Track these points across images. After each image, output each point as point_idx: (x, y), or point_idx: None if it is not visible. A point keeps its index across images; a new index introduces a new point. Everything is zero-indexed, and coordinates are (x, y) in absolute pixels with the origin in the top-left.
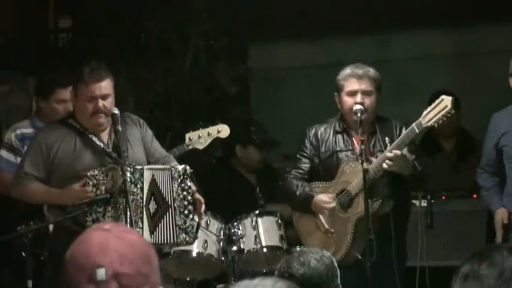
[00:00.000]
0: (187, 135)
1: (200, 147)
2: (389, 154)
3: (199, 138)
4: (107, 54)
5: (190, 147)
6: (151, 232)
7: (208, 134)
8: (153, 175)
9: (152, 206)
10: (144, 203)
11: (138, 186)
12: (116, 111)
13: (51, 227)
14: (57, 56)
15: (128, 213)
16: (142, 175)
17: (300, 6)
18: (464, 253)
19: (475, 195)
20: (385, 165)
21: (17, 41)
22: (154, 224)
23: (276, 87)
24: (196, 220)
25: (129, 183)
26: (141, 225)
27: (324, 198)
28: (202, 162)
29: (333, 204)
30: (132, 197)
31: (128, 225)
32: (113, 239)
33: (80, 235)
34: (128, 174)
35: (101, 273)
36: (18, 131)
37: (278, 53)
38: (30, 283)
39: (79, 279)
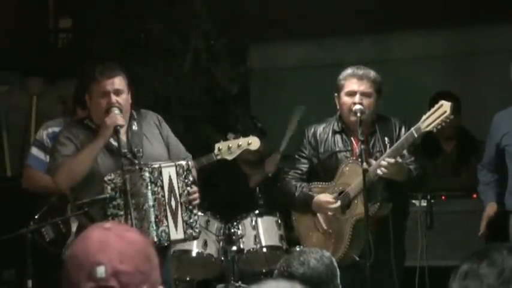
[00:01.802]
0: (216, 145)
1: (229, 158)
2: (383, 162)
3: (229, 149)
4: (107, 54)
5: (218, 157)
6: (176, 229)
7: (238, 146)
8: (169, 172)
9: (173, 203)
10: (167, 200)
11: (159, 184)
12: (116, 111)
13: (75, 227)
14: (57, 56)
15: (131, 213)
16: (161, 173)
17: (299, 7)
18: (464, 253)
19: (474, 196)
20: (379, 172)
21: (17, 41)
22: (175, 220)
23: (276, 87)
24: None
25: (150, 183)
26: (166, 223)
27: (327, 198)
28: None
29: (338, 204)
30: (154, 196)
31: (134, 225)
32: (112, 237)
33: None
34: (147, 174)
35: (101, 270)
36: (50, 129)
37: (278, 53)
38: (30, 283)
39: (79, 276)
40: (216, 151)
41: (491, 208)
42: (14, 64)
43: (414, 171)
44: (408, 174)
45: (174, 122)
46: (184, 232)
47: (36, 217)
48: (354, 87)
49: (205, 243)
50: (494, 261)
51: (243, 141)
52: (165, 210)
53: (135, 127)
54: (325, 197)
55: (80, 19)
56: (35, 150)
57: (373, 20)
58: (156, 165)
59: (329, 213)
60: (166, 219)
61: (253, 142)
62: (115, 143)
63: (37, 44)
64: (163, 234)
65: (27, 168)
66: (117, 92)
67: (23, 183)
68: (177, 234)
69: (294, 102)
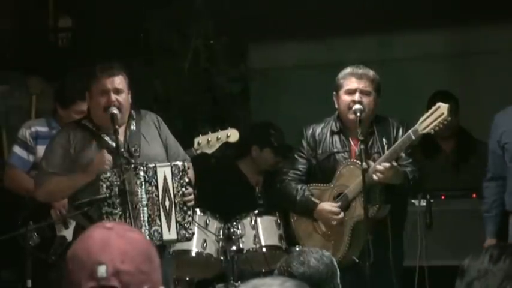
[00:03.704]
0: (196, 140)
1: (209, 151)
2: (379, 167)
3: (208, 142)
4: (107, 54)
5: (198, 151)
6: (169, 229)
7: (217, 139)
8: (164, 172)
9: (167, 203)
10: (160, 200)
11: (153, 184)
12: (115, 110)
13: (60, 231)
14: (57, 55)
15: (130, 212)
16: (156, 173)
17: (300, 6)
18: (464, 253)
19: (474, 195)
20: (375, 177)
21: (17, 41)
22: (169, 221)
23: (276, 87)
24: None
25: (144, 182)
26: (159, 223)
27: (331, 208)
28: (202, 161)
29: (341, 215)
30: (148, 195)
31: (133, 224)
32: (114, 236)
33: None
34: (142, 173)
35: (102, 270)
36: (33, 129)
37: (278, 52)
38: (29, 282)
39: (80, 276)
40: (195, 145)
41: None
42: (14, 64)
43: (410, 174)
44: (404, 177)
45: (174, 122)
46: (177, 233)
47: (19, 222)
48: (354, 85)
49: (204, 243)
50: (477, 259)
51: (221, 134)
52: (158, 210)
53: (133, 127)
54: (329, 207)
55: (80, 19)
56: (17, 149)
57: (374, 20)
58: (152, 165)
59: (333, 223)
60: (160, 219)
61: (232, 134)
62: (112, 143)
63: (37, 43)
64: (155, 233)
65: (11, 167)
66: (117, 91)
67: (5, 182)
68: (169, 234)
69: (294, 102)
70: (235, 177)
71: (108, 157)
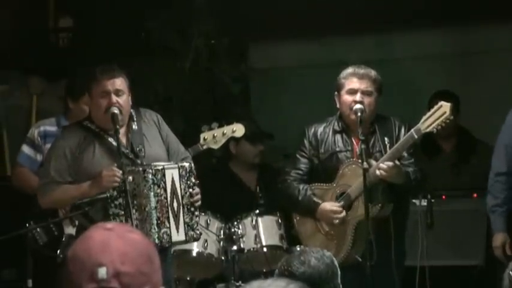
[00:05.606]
0: (201, 135)
1: (215, 147)
2: (382, 165)
3: (214, 138)
4: (107, 54)
5: (205, 147)
6: (177, 230)
7: (223, 134)
8: (172, 174)
9: (175, 205)
10: (169, 202)
11: (161, 186)
12: (116, 110)
13: (68, 229)
14: (58, 55)
15: (131, 214)
16: (164, 175)
17: (300, 6)
18: (465, 253)
19: (475, 195)
20: (378, 174)
21: (17, 41)
22: (177, 222)
23: (276, 87)
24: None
25: (153, 185)
26: (168, 225)
27: (333, 207)
28: (203, 161)
29: (343, 214)
30: (157, 198)
31: (135, 226)
32: (114, 237)
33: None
34: (150, 176)
35: (102, 272)
36: (41, 128)
37: (278, 52)
38: (30, 282)
39: (80, 277)
40: (201, 141)
41: (500, 239)
42: (14, 63)
43: (412, 174)
44: (406, 177)
45: (174, 122)
46: (186, 234)
47: (30, 224)
48: (355, 86)
49: (205, 243)
50: None
51: (227, 129)
52: (167, 212)
53: (135, 126)
54: (331, 206)
55: (80, 19)
56: (26, 149)
57: (374, 20)
58: (160, 167)
59: (335, 222)
60: (168, 221)
61: (238, 129)
62: (115, 143)
63: (37, 43)
64: (164, 236)
65: (19, 167)
66: (118, 93)
67: (13, 181)
68: (178, 236)
69: (294, 102)
70: (227, 178)
71: (117, 173)
